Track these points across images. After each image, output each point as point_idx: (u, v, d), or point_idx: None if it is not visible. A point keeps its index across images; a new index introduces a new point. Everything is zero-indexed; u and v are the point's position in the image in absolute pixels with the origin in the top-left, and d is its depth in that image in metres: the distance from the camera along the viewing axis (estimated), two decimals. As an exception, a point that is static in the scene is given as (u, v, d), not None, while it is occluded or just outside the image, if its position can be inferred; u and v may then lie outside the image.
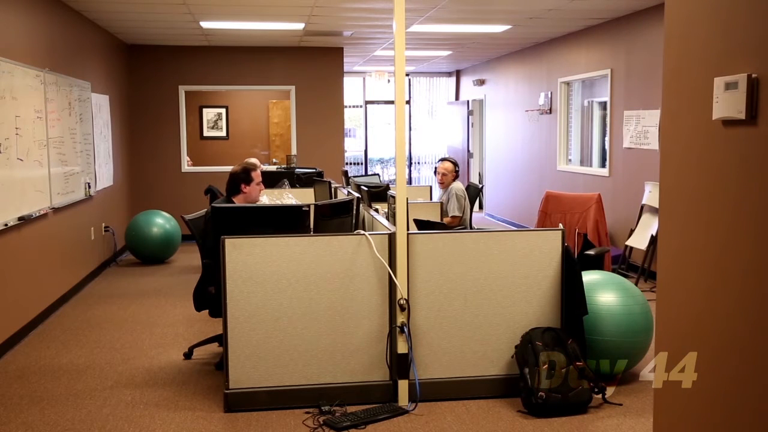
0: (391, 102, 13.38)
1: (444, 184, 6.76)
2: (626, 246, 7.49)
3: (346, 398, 3.97)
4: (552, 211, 7.68)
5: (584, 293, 4.14)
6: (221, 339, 4.51)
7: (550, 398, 3.81)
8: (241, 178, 4.88)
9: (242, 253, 3.90)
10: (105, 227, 8.16)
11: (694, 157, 2.24)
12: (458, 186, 6.71)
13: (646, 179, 7.34)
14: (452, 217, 6.56)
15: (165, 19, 7.91)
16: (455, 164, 6.79)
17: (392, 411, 3.89)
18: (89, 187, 7.42)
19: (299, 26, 8.32)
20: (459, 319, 4.09)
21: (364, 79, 14.50)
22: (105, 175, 8.29)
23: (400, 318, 3.98)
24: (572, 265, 4.15)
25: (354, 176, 7.94)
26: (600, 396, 3.96)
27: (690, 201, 2.25)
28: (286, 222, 4.34)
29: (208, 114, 12.22)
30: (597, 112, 9.30)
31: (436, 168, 6.89)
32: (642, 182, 7.42)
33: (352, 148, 14.81)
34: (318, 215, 4.60)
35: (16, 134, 5.31)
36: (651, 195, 7.14)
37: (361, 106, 14.78)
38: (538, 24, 8.33)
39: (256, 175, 4.95)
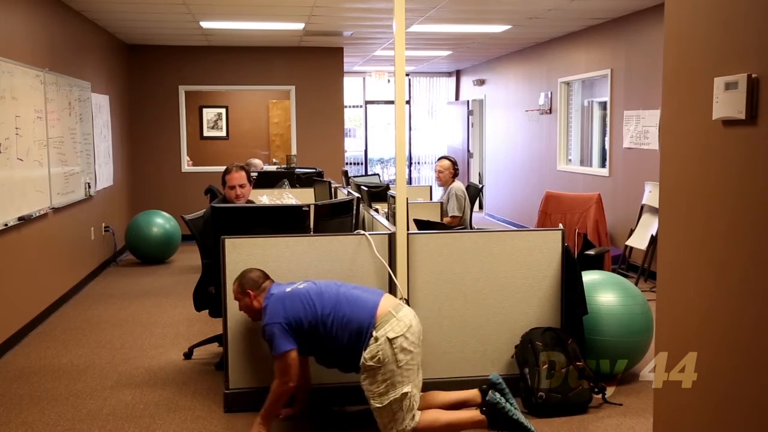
0: (391, 102, 13.38)
1: (441, 182, 6.78)
2: (626, 246, 7.49)
3: (346, 398, 3.97)
4: (552, 211, 7.68)
5: (584, 293, 4.14)
6: (221, 339, 4.51)
7: (550, 398, 3.81)
8: (222, 181, 4.89)
9: (242, 253, 3.90)
10: (105, 227, 8.16)
11: (694, 157, 2.24)
12: (458, 186, 6.71)
13: (646, 179, 7.35)
14: (452, 217, 6.56)
15: (165, 19, 7.92)
16: (453, 162, 6.80)
17: (392, 411, 3.88)
18: (89, 187, 7.42)
19: (299, 26, 8.32)
20: (459, 319, 4.09)
21: (364, 79, 14.50)
22: (105, 175, 8.29)
23: (400, 318, 3.98)
24: (572, 265, 4.15)
25: (354, 176, 7.93)
26: (600, 396, 3.96)
27: (690, 201, 2.25)
28: (286, 222, 4.34)
29: (208, 114, 12.22)
30: (597, 112, 9.31)
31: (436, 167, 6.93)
32: (642, 182, 7.42)
33: (352, 148, 14.80)
34: (318, 215, 4.59)
35: (16, 134, 5.31)
36: (651, 195, 7.14)
37: (361, 106, 14.78)
38: (538, 24, 8.33)
39: (230, 179, 4.80)
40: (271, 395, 3.50)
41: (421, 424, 3.34)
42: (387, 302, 3.45)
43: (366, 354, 3.32)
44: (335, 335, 3.39)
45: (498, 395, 3.42)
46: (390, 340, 3.30)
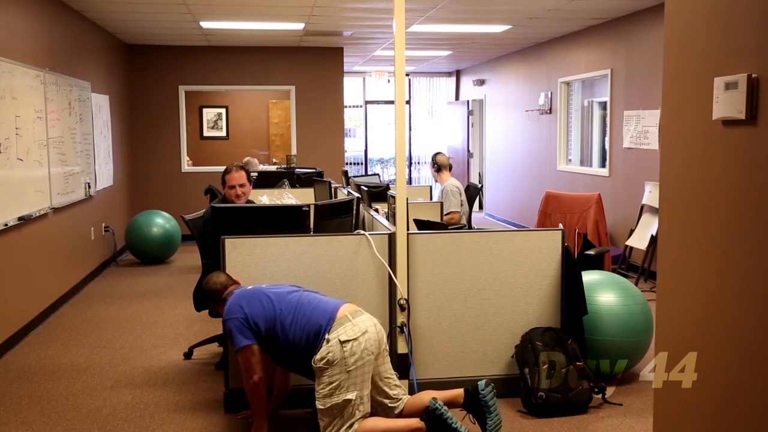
0: (391, 102, 13.37)
1: (434, 178, 7.04)
2: (626, 246, 7.49)
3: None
4: (552, 211, 7.68)
5: (584, 293, 4.14)
6: (221, 339, 4.51)
7: (550, 398, 3.81)
8: (222, 180, 4.89)
9: (242, 253, 3.90)
10: (105, 227, 8.16)
11: (694, 157, 2.24)
12: (451, 183, 6.79)
13: (646, 179, 7.34)
14: (450, 213, 6.59)
15: (165, 19, 7.91)
16: (433, 159, 7.00)
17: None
18: (89, 187, 7.42)
19: (299, 26, 8.32)
20: (459, 319, 4.09)
21: (364, 79, 14.50)
22: (105, 175, 8.29)
23: (400, 318, 3.98)
24: (572, 265, 4.15)
25: (354, 176, 7.94)
26: (600, 396, 3.96)
27: (690, 201, 2.25)
28: (286, 222, 4.34)
29: (208, 114, 12.22)
30: (597, 112, 9.30)
31: None
32: (642, 182, 7.42)
33: (352, 148, 14.80)
34: (318, 215, 4.59)
35: (16, 134, 5.31)
36: (651, 195, 7.14)
37: (361, 106, 14.78)
38: (538, 24, 8.33)
39: (230, 178, 4.79)
40: (247, 396, 3.53)
41: None
42: (346, 308, 3.43)
43: (317, 356, 3.30)
44: (292, 337, 3.38)
45: (440, 403, 3.34)
46: (341, 343, 3.27)
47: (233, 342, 3.44)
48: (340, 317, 3.35)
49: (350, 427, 3.27)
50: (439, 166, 6.89)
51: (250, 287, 3.62)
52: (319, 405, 3.30)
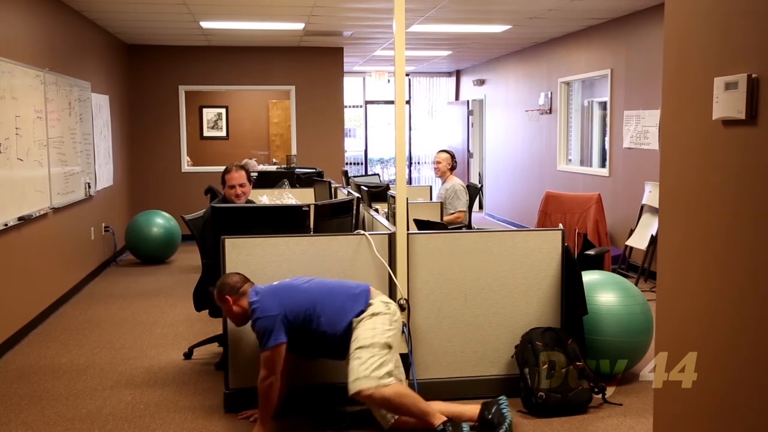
0: (391, 102, 13.37)
1: (439, 173, 6.92)
2: (626, 246, 7.49)
3: (346, 398, 3.96)
4: (552, 211, 7.68)
5: (584, 293, 4.14)
6: (221, 339, 4.51)
7: (550, 398, 3.81)
8: (221, 180, 4.90)
9: (242, 253, 3.90)
10: (105, 227, 8.16)
11: (694, 157, 2.24)
12: (458, 181, 6.78)
13: (646, 179, 7.35)
14: (459, 212, 6.58)
15: (165, 19, 7.92)
16: (451, 155, 6.94)
17: (392, 411, 3.88)
18: (89, 187, 7.42)
19: (299, 26, 8.32)
20: (459, 319, 4.09)
21: (364, 79, 14.50)
22: (105, 175, 8.29)
23: (401, 318, 3.98)
24: (572, 265, 4.15)
25: (354, 176, 7.94)
26: (600, 396, 3.96)
27: (690, 201, 2.26)
28: (286, 222, 4.34)
29: (208, 114, 12.23)
30: (597, 112, 9.31)
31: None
32: (642, 182, 7.42)
33: (352, 148, 14.81)
34: (318, 215, 4.59)
35: (16, 134, 5.31)
36: (651, 195, 7.14)
37: (361, 106, 14.78)
38: (538, 24, 8.34)
39: (230, 178, 4.81)
40: (259, 395, 3.53)
41: (392, 389, 3.37)
42: (373, 289, 3.69)
43: (357, 317, 3.51)
44: (327, 324, 3.49)
45: (450, 426, 3.41)
46: (384, 303, 3.59)
47: (266, 339, 3.44)
48: (374, 293, 3.63)
49: (389, 374, 3.39)
50: (455, 164, 6.89)
51: (275, 283, 3.67)
52: (357, 345, 3.42)
